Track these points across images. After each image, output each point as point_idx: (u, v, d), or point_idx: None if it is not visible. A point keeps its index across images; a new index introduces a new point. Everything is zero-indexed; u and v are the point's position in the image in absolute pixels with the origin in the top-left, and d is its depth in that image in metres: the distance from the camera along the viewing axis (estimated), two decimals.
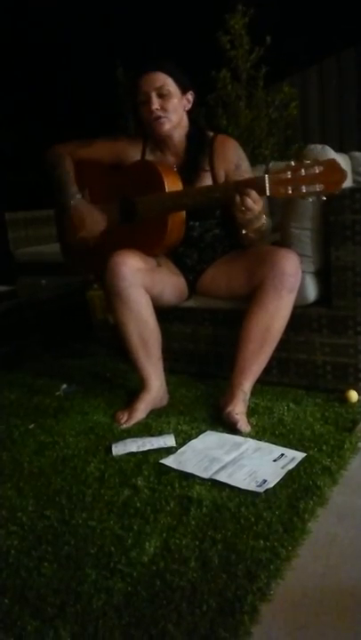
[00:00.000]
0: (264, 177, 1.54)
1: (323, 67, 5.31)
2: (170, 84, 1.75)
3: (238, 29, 4.07)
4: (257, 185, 1.56)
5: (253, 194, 1.55)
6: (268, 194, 1.55)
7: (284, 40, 4.22)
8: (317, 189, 1.47)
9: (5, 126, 6.30)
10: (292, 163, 1.51)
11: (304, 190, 1.49)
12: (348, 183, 1.89)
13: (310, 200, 1.54)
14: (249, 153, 3.99)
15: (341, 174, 1.46)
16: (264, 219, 1.67)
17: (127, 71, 4.38)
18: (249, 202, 1.55)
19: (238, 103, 4.20)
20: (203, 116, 4.28)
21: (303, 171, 1.48)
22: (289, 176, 1.50)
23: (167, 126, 1.78)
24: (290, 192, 1.51)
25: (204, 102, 4.24)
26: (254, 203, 1.56)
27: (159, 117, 1.76)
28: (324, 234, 1.75)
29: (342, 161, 1.89)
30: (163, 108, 1.75)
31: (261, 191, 1.55)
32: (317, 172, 1.47)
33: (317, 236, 1.76)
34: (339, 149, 1.89)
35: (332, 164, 1.47)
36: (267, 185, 1.54)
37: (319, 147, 1.72)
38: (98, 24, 5.90)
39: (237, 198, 1.56)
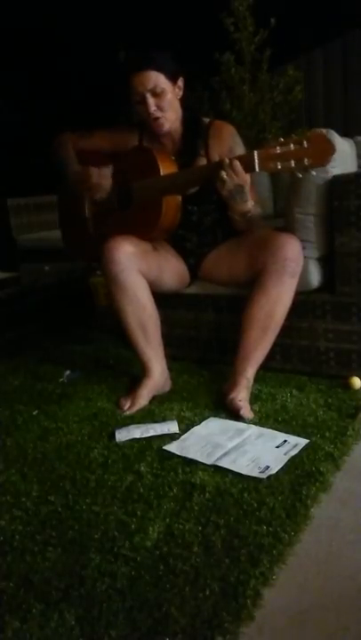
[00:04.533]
0: (253, 152, 1.54)
1: (328, 49, 5.24)
2: (162, 82, 1.72)
3: (242, 11, 4.01)
4: (246, 160, 1.56)
5: (236, 164, 1.56)
6: (257, 169, 1.55)
7: (289, 22, 4.15)
8: (306, 163, 1.47)
9: (8, 112, 6.25)
10: (281, 139, 1.51)
11: (293, 165, 1.48)
12: (352, 168, 1.87)
13: (299, 175, 1.53)
14: (253, 137, 3.96)
15: (329, 147, 1.45)
16: (250, 203, 1.67)
17: (130, 55, 4.33)
18: (229, 171, 1.56)
19: (242, 87, 4.16)
20: (206, 99, 4.24)
21: (292, 145, 1.48)
22: (278, 151, 1.50)
23: (166, 127, 1.78)
24: (279, 167, 1.51)
25: (208, 86, 4.19)
26: (236, 174, 1.57)
27: (158, 118, 1.75)
28: (329, 219, 1.74)
29: (347, 145, 1.88)
30: (159, 108, 1.74)
31: (250, 167, 1.55)
32: (306, 145, 1.46)
33: (321, 222, 1.75)
34: (344, 134, 1.87)
35: (320, 138, 1.46)
36: (255, 160, 1.53)
37: (323, 131, 1.70)
38: (101, 7, 5.82)
39: (221, 172, 1.57)
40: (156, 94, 1.73)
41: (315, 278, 1.78)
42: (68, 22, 5.92)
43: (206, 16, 4.13)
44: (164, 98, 1.74)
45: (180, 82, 1.80)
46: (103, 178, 1.86)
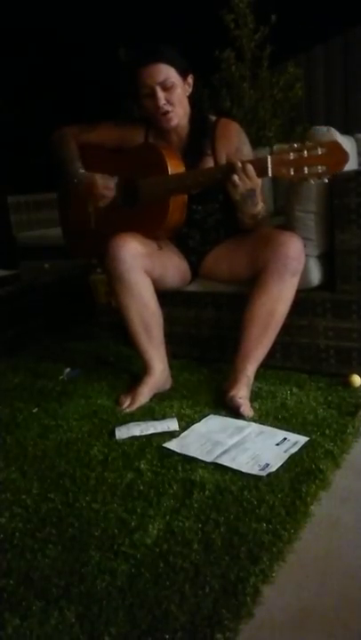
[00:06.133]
0: (266, 157, 1.54)
1: (329, 46, 5.23)
2: (172, 75, 1.71)
3: (243, 8, 4.00)
4: (259, 165, 1.55)
5: (249, 168, 1.55)
6: (270, 175, 1.54)
7: (290, 19, 4.14)
8: (319, 171, 1.47)
9: (7, 109, 6.24)
10: (295, 144, 1.50)
11: (306, 172, 1.48)
12: (353, 166, 1.87)
13: (312, 182, 1.53)
14: (253, 135, 3.95)
15: (344, 155, 1.45)
16: (261, 206, 1.67)
17: (130, 51, 4.32)
18: (242, 175, 1.55)
19: (242, 84, 4.15)
20: (206, 97, 4.22)
21: (306, 152, 1.48)
22: (291, 157, 1.50)
23: (175, 121, 1.77)
24: (292, 173, 1.50)
25: (208, 83, 4.18)
26: (249, 179, 1.56)
27: (167, 112, 1.74)
28: (329, 217, 1.73)
29: (348, 143, 1.87)
30: (169, 102, 1.73)
31: (263, 172, 1.55)
32: (320, 153, 1.46)
33: (322, 220, 1.75)
34: (344, 131, 1.87)
35: (335, 146, 1.46)
36: (269, 165, 1.53)
37: (324, 128, 1.70)
38: (100, 4, 5.80)
39: (234, 175, 1.56)
40: (166, 88, 1.71)
41: (315, 276, 1.78)
42: (67, 18, 5.90)
43: (206, 13, 4.11)
44: (174, 92, 1.72)
45: (190, 79, 1.78)
46: (108, 189, 1.85)
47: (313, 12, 4.73)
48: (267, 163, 1.53)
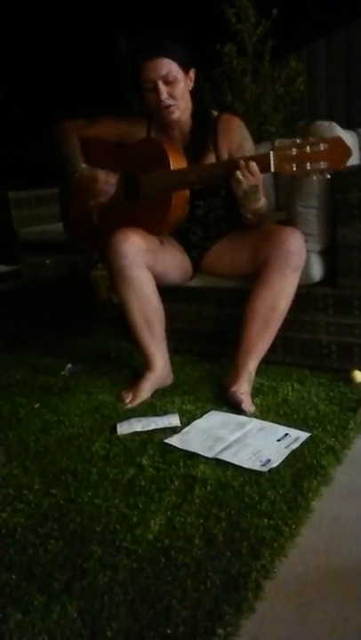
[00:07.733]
0: (269, 154, 1.53)
1: (331, 40, 5.20)
2: (175, 70, 1.70)
3: (244, 2, 3.98)
4: (262, 161, 1.55)
5: (253, 165, 1.55)
6: (272, 170, 1.54)
7: (291, 13, 4.12)
8: (322, 167, 1.47)
9: (7, 104, 6.22)
10: (298, 140, 1.50)
11: (309, 167, 1.48)
12: (355, 160, 1.86)
13: (315, 178, 1.53)
14: (255, 129, 3.94)
15: (346, 151, 1.45)
16: (263, 201, 1.66)
17: (130, 45, 4.30)
18: (245, 172, 1.55)
19: (244, 78, 4.13)
20: (208, 91, 4.21)
21: (308, 148, 1.47)
22: (294, 153, 1.49)
23: (177, 114, 1.76)
24: (294, 169, 1.50)
25: (209, 77, 4.17)
26: (252, 175, 1.56)
27: (169, 106, 1.73)
28: (331, 212, 1.73)
29: (349, 138, 1.86)
30: (171, 96, 1.72)
31: (266, 167, 1.54)
32: (322, 149, 1.46)
33: (324, 215, 1.75)
34: (346, 126, 1.86)
35: (338, 142, 1.46)
36: (271, 161, 1.53)
37: (326, 123, 1.69)
38: None
39: (237, 172, 1.56)
40: (169, 82, 1.70)
41: (316, 271, 1.78)
42: (68, 11, 5.88)
43: (208, 7, 4.09)
44: (177, 86, 1.71)
45: (192, 73, 1.77)
46: (108, 184, 1.85)
47: (315, 6, 4.71)
48: (269, 159, 1.53)
